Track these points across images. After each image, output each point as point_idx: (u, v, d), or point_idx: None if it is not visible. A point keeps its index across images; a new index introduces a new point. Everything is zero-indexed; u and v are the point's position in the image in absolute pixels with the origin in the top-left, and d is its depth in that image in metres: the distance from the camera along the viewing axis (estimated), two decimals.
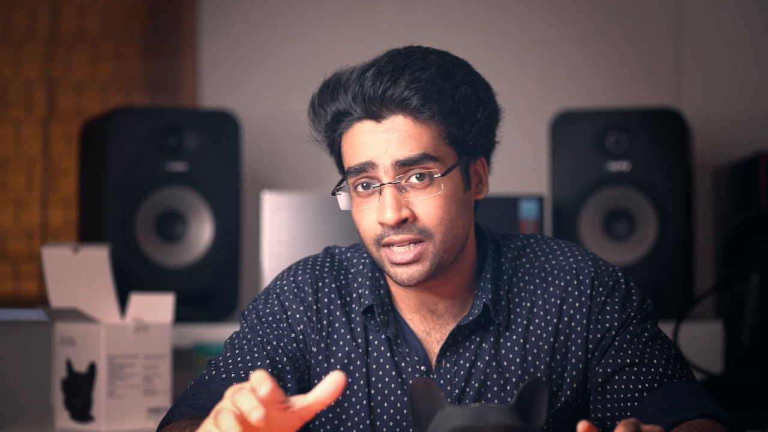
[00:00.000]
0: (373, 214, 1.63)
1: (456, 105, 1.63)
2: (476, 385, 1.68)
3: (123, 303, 2.44)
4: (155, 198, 2.89)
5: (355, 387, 1.70)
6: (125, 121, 2.90)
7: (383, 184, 1.61)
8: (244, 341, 1.71)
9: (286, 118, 3.46)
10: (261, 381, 1.21)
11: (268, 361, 1.67)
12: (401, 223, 1.61)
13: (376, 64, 1.62)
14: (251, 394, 1.21)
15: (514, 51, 3.43)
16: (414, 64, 1.62)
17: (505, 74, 3.33)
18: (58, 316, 2.43)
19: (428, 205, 1.62)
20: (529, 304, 1.71)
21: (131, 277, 2.77)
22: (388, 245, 1.62)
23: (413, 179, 1.61)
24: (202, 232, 2.93)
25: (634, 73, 3.45)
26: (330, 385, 1.25)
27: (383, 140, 1.61)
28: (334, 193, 1.68)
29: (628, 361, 1.67)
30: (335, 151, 1.68)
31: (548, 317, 1.71)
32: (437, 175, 1.61)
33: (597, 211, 2.94)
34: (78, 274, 2.43)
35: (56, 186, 3.55)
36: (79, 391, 2.40)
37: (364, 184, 1.63)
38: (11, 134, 3.57)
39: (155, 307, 2.43)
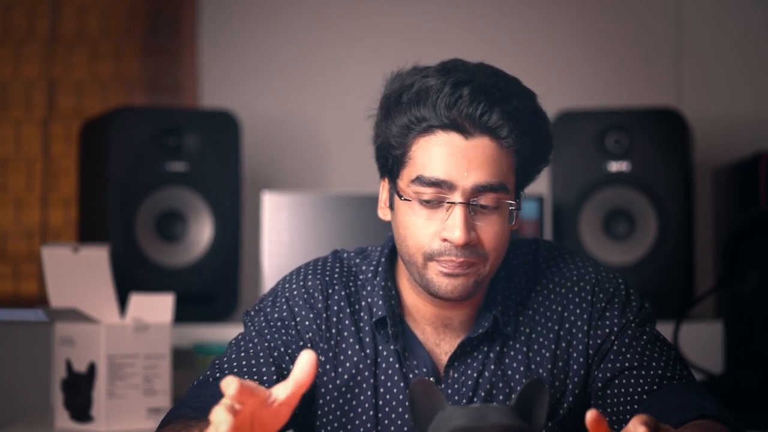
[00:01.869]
0: (432, 227, 1.61)
1: (537, 142, 1.64)
2: (482, 394, 1.68)
3: (123, 303, 2.44)
4: (155, 198, 2.89)
5: (362, 398, 1.69)
6: (125, 121, 2.90)
7: (457, 203, 1.59)
8: (251, 345, 1.69)
9: (286, 118, 3.46)
10: (228, 383, 1.21)
11: (273, 368, 1.66)
12: (465, 246, 1.60)
13: (470, 82, 1.59)
14: (220, 407, 1.21)
15: (514, 51, 3.43)
16: (507, 89, 1.61)
17: None
18: (57, 316, 2.43)
19: (490, 231, 1.61)
20: (531, 312, 1.72)
21: (131, 277, 2.77)
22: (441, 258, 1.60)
23: (483, 204, 1.60)
24: (202, 232, 2.93)
25: (634, 73, 3.45)
26: (305, 365, 1.25)
27: (465, 160, 1.59)
28: (401, 198, 1.63)
29: (627, 364, 1.67)
30: (398, 149, 1.63)
31: (549, 324, 1.71)
32: (513, 208, 1.62)
33: (597, 211, 2.94)
34: (78, 274, 2.43)
35: (56, 186, 3.55)
36: (78, 391, 2.40)
37: (429, 197, 1.60)
38: (11, 134, 3.57)
39: (155, 307, 2.43)
